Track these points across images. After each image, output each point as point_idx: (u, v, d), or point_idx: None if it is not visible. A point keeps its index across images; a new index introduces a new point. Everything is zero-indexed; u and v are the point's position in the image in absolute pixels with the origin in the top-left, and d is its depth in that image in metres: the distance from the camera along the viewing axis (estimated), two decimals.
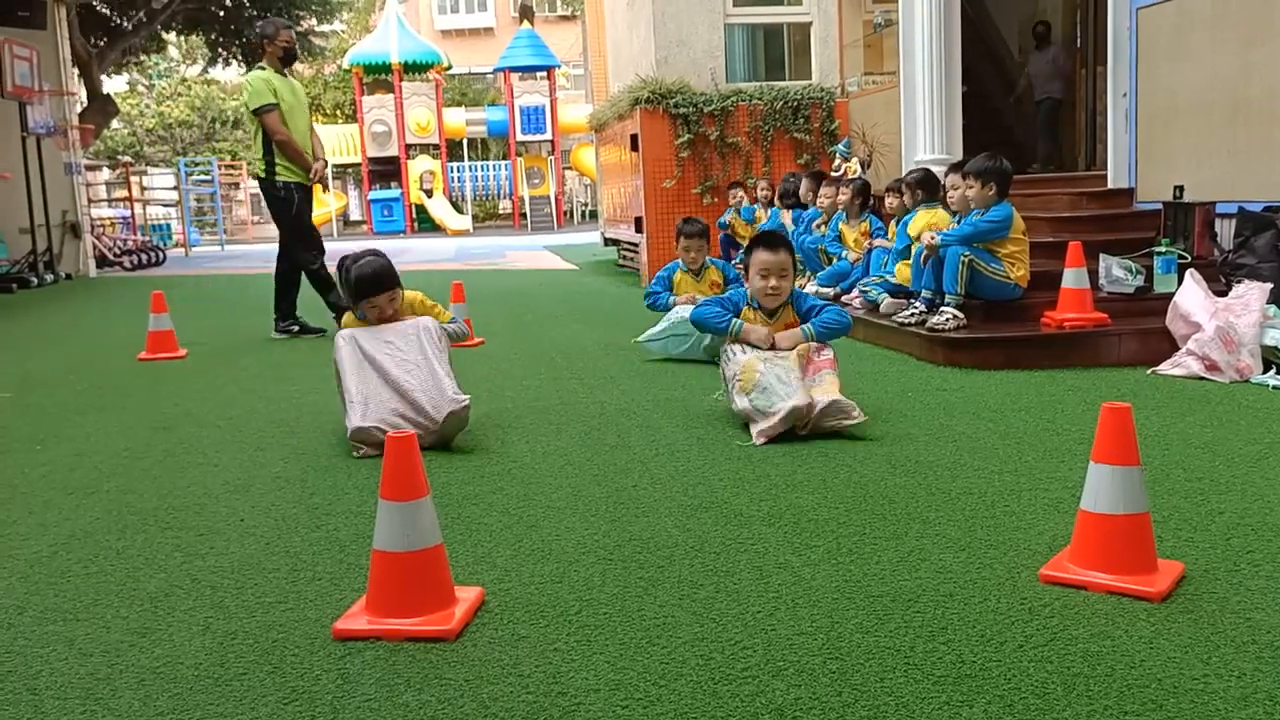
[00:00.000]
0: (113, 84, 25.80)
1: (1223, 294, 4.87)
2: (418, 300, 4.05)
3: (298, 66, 23.98)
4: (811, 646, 2.01)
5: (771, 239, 4.03)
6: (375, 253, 3.88)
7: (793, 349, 3.83)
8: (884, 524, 2.73)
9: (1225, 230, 5.66)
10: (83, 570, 2.58)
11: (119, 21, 18.99)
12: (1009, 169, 5.29)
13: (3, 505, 3.18)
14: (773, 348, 3.88)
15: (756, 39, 10.86)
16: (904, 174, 6.82)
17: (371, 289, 3.78)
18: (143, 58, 24.49)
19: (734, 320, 3.98)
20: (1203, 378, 4.45)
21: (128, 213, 19.79)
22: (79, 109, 16.11)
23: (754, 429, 3.66)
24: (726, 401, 3.99)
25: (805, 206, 8.08)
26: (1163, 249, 5.49)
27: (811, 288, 6.88)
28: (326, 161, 6.97)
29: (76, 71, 16.61)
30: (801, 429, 3.62)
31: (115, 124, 26.51)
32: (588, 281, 11.26)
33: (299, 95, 6.87)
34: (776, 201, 8.68)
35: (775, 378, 3.69)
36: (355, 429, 3.57)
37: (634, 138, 10.11)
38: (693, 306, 5.25)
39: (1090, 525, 2.29)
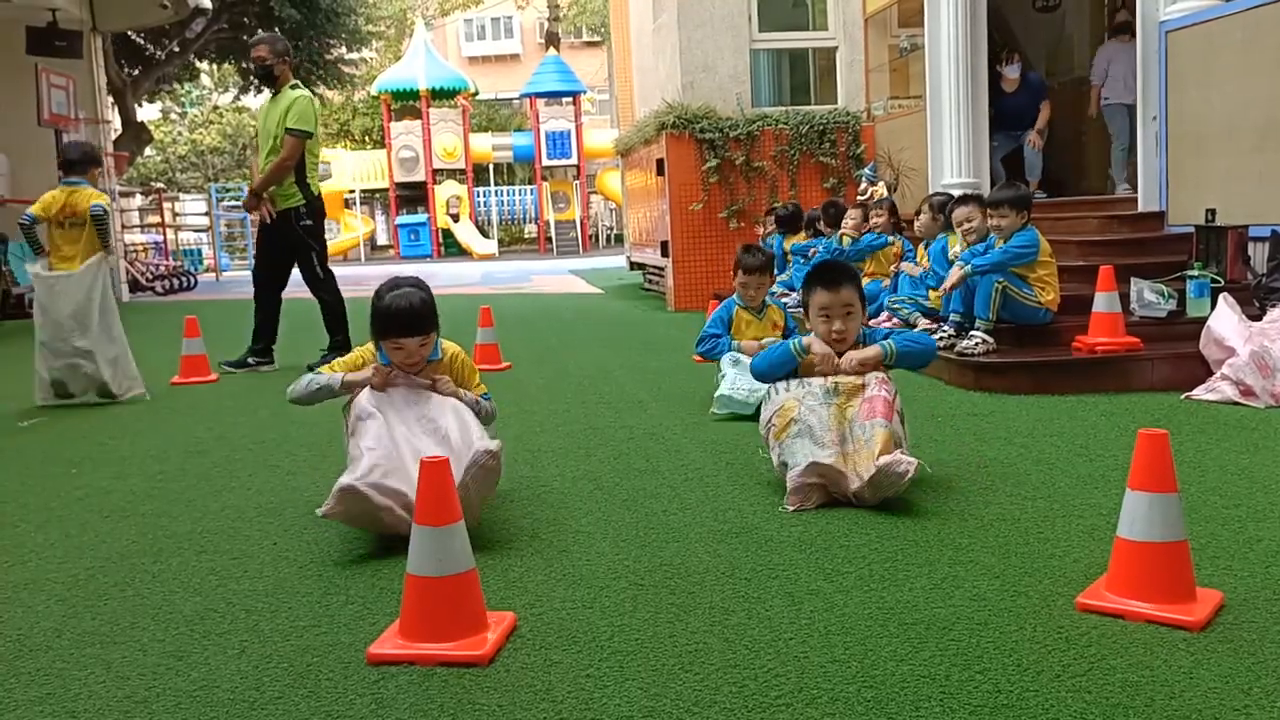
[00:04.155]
0: (146, 112, 26.26)
1: (1257, 318, 4.82)
2: (458, 360, 3.25)
3: (327, 93, 24.36)
4: (845, 675, 2.00)
5: (831, 274, 3.44)
6: (417, 283, 3.11)
7: (861, 372, 3.29)
8: (916, 550, 2.71)
9: (1259, 254, 5.61)
10: (119, 593, 2.61)
11: (153, 51, 19.38)
12: (1031, 193, 5.34)
13: (40, 528, 3.23)
14: (835, 371, 3.35)
15: (782, 64, 10.90)
16: (930, 193, 6.82)
17: (399, 330, 3.01)
18: (176, 86, 24.90)
19: (791, 342, 3.46)
20: (1237, 403, 4.39)
21: (160, 238, 20.08)
22: (113, 136, 16.40)
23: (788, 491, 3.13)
24: (767, 455, 3.47)
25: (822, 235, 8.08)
26: (1195, 272, 5.45)
27: None
28: (254, 193, 6.39)
29: (111, 100, 16.93)
30: (855, 499, 3.09)
31: (148, 151, 26.93)
32: (613, 306, 11.29)
33: (267, 119, 6.40)
34: (775, 227, 8.66)
35: (815, 423, 3.18)
36: (345, 486, 2.71)
37: (660, 162, 10.16)
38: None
39: (1127, 553, 2.27)
